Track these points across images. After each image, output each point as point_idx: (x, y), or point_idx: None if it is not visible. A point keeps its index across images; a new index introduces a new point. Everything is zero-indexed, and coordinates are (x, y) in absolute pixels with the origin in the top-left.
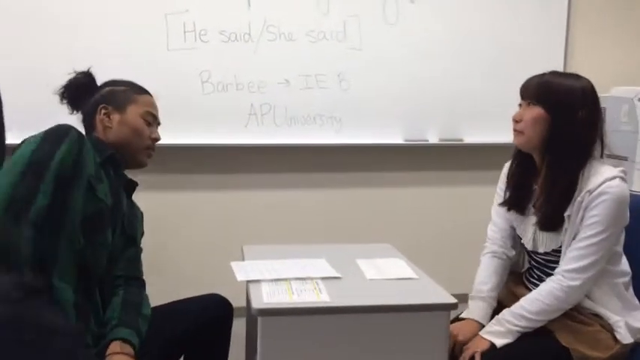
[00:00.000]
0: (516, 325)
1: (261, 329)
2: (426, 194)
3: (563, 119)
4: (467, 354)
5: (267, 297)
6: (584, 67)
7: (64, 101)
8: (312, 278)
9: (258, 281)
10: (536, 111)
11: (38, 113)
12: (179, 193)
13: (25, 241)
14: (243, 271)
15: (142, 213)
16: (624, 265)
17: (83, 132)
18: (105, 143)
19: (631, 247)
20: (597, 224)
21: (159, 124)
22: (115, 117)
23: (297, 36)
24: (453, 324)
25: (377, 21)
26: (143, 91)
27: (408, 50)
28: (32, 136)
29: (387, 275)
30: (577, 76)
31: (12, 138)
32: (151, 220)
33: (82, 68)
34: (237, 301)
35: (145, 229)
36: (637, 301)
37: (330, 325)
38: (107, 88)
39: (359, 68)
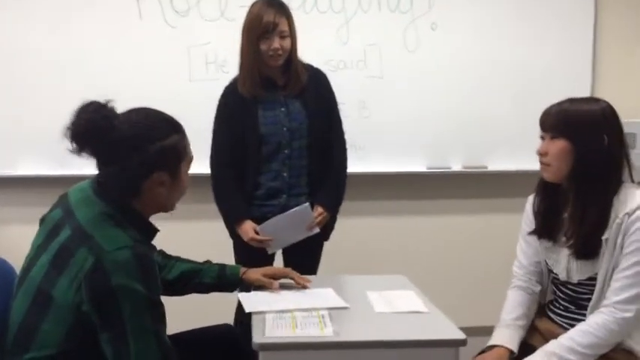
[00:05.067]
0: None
1: None
2: (449, 223)
3: (588, 147)
4: None
5: (270, 330)
6: (611, 92)
7: (72, 141)
8: (318, 309)
9: (262, 313)
10: (561, 144)
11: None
12: (187, 222)
13: None
14: (250, 302)
15: None
16: None
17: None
18: (145, 218)
19: None
20: None
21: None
22: (167, 182)
23: (317, 65)
24: (478, 356)
25: (397, 49)
26: (179, 129)
27: (430, 77)
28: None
29: (396, 309)
30: (596, 100)
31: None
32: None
33: (97, 97)
34: None
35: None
36: None
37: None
38: (156, 146)
39: (380, 96)
